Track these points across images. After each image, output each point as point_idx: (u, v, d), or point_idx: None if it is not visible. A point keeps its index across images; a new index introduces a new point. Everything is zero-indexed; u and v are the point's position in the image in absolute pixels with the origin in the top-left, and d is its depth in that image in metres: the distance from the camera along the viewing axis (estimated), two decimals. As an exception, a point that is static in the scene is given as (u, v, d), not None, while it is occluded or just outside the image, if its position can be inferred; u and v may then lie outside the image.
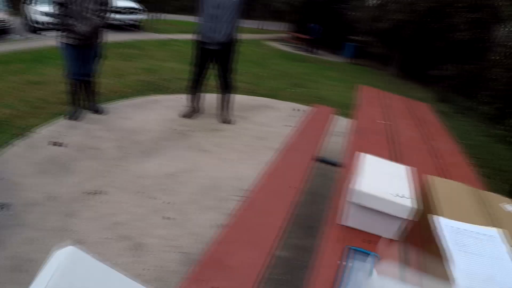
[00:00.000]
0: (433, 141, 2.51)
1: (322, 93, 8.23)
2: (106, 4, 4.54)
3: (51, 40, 11.66)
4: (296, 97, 7.25)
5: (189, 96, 5.26)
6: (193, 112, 5.30)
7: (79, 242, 2.60)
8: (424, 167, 1.93)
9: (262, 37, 18.76)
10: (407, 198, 1.30)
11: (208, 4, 4.53)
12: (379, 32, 14.72)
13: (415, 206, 1.26)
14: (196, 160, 4.05)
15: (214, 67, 4.97)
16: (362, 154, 1.56)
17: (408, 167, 1.54)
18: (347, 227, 1.40)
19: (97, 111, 5.06)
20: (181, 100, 5.61)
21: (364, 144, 2.20)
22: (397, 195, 1.30)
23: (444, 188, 1.50)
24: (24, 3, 16.41)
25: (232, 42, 4.80)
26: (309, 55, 15.38)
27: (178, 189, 3.42)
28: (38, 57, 9.19)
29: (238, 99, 6.32)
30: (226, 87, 5.12)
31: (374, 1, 16.10)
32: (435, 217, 1.26)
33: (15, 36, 13.86)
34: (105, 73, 6.61)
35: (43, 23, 13.81)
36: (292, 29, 20.03)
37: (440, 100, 10.98)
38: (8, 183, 3.28)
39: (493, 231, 1.24)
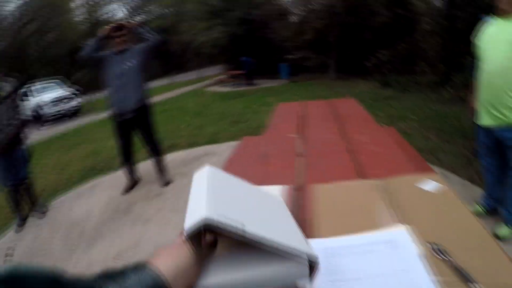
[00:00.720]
0: (353, 136, 2.35)
1: (261, 122, 8.35)
2: (17, 107, 4.52)
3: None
4: (237, 135, 7.37)
5: (125, 170, 5.38)
6: (133, 184, 5.43)
7: None
8: (331, 171, 1.78)
9: (201, 85, 19.15)
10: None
11: (111, 76, 4.60)
12: (307, 44, 15.25)
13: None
14: (140, 233, 4.16)
15: (136, 135, 5.04)
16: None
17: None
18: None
19: (42, 212, 5.11)
20: (122, 176, 5.74)
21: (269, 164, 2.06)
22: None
23: (325, 194, 1.38)
24: None
25: (145, 106, 4.87)
26: (248, 88, 15.73)
27: (123, 267, 3.57)
28: None
29: (177, 156, 6.55)
30: (154, 150, 5.19)
31: (295, 18, 16.70)
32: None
33: None
34: (48, 169, 6.78)
35: None
36: (226, 68, 20.54)
37: (384, 85, 11.41)
38: None
39: (393, 233, 1.04)
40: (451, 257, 0.95)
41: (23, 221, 4.91)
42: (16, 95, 4.54)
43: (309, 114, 3.23)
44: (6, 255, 4.24)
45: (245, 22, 17.73)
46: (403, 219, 1.13)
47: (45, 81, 17.33)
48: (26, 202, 5.06)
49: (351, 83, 13.55)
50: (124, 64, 4.60)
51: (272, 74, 17.65)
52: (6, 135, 4.34)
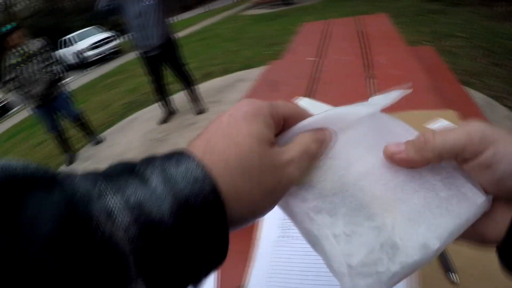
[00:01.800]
0: (375, 58, 2.18)
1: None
2: (49, 59, 4.92)
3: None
4: (272, 58, 7.18)
5: (160, 102, 5.56)
6: (169, 115, 5.61)
7: None
8: (343, 97, 1.70)
9: (237, 10, 18.72)
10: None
11: (131, 16, 4.69)
12: None
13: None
14: None
15: (166, 68, 5.18)
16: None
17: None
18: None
19: (97, 142, 5.66)
20: (158, 109, 5.94)
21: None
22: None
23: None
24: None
25: (169, 41, 4.94)
26: (285, 8, 15.12)
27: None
28: (35, 120, 9.78)
29: (212, 84, 6.61)
30: (185, 81, 5.29)
31: None
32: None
33: (16, 109, 14.70)
34: (92, 109, 7.08)
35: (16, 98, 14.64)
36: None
37: None
38: None
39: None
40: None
41: (71, 161, 5.38)
42: (45, 51, 4.89)
43: (332, 34, 3.05)
44: None
45: None
46: None
47: (82, 30, 18.13)
48: (84, 136, 5.70)
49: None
50: (141, 4, 4.62)
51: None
52: (41, 87, 4.78)
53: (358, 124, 0.41)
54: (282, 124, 0.39)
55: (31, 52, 4.74)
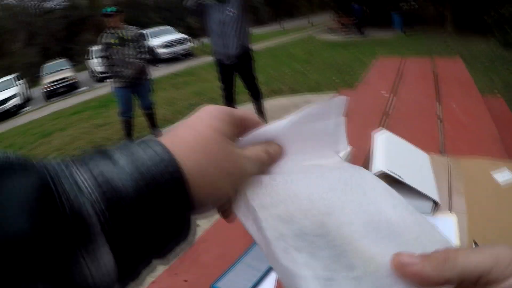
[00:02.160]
0: (446, 101, 2.19)
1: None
2: (142, 47, 5.36)
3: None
4: (340, 86, 7.30)
5: (227, 110, 5.67)
6: (233, 124, 5.72)
7: None
8: (413, 135, 1.65)
9: (310, 32, 18.85)
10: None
11: (213, 23, 4.88)
12: None
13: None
14: None
15: (238, 78, 5.30)
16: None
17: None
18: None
19: (158, 136, 5.78)
20: (223, 116, 6.10)
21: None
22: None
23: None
24: (86, 59, 18.58)
25: (246, 53, 5.07)
26: (358, 38, 15.19)
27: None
28: (103, 102, 10.36)
29: (278, 101, 6.72)
30: (254, 95, 5.40)
31: None
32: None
33: (83, 89, 15.62)
34: (159, 103, 7.38)
35: (104, 71, 15.44)
36: (337, 16, 19.94)
37: (505, 45, 9.92)
38: None
39: (439, 219, 1.03)
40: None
41: None
42: (140, 40, 5.36)
43: (407, 72, 3.06)
44: None
45: None
46: (457, 207, 1.08)
47: (158, 27, 19.16)
48: (148, 126, 6.01)
49: (468, 39, 12.17)
50: (225, 13, 4.79)
51: (384, 24, 16.62)
52: (134, 67, 5.20)
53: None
54: (239, 129, 0.41)
55: (127, 37, 5.16)
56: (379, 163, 1.07)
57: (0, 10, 32.89)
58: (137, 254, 0.31)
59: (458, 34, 13.33)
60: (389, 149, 1.17)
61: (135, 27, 5.43)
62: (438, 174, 1.21)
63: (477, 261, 0.31)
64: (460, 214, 1.03)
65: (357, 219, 0.37)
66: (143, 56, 5.33)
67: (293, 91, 7.37)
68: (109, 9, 5.19)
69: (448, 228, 0.98)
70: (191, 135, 0.37)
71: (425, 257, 0.32)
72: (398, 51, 10.49)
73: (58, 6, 36.89)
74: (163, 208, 0.31)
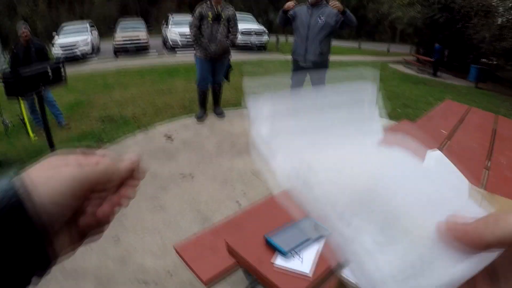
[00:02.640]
0: (497, 155, 2.31)
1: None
2: (235, 29, 5.59)
3: (182, 57, 13.23)
4: (400, 117, 7.19)
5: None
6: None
7: (162, 208, 3.43)
8: None
9: (387, 60, 18.66)
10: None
11: (299, 25, 4.97)
12: (504, 53, 13.67)
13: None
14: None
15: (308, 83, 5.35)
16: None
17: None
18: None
19: (219, 113, 6.11)
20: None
21: None
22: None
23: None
24: (164, 25, 18.86)
25: (323, 61, 5.14)
26: (431, 78, 14.86)
27: (256, 184, 3.97)
28: (169, 70, 10.63)
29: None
30: None
31: (499, 20, 14.89)
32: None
33: (152, 53, 15.95)
34: (226, 86, 7.45)
35: (178, 42, 15.64)
36: (416, 51, 19.61)
37: None
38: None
39: None
40: None
41: (202, 117, 5.93)
42: (234, 20, 5.55)
43: (469, 120, 3.16)
44: (167, 137, 5.15)
45: (446, 9, 16.42)
46: None
47: (239, 13, 18.65)
48: (213, 102, 6.23)
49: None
50: (315, 19, 4.87)
51: (460, 72, 16.30)
52: (218, 47, 5.44)
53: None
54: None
55: (223, 16, 5.37)
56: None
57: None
58: None
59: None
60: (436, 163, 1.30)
61: (232, 7, 5.62)
62: (472, 198, 1.28)
63: None
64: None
65: (406, 188, 0.37)
66: (232, 37, 5.55)
67: (356, 111, 7.25)
68: None
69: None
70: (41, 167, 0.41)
71: (476, 219, 0.32)
72: (465, 102, 10.19)
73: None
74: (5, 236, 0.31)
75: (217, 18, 5.32)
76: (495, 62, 15.27)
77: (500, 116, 3.57)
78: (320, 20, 4.83)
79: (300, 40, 4.99)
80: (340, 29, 5.02)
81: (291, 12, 5.00)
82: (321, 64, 5.10)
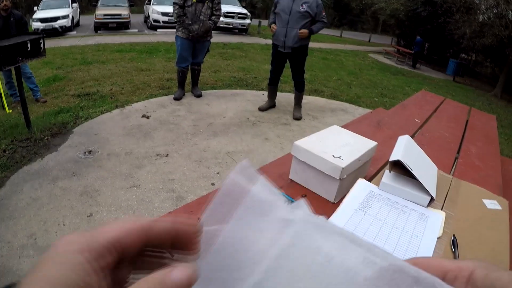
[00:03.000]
0: (466, 143, 2.37)
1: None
2: (219, 10, 5.59)
3: (162, 36, 13.12)
4: (377, 105, 7.25)
5: (269, 91, 5.83)
6: (269, 106, 5.86)
7: (136, 186, 3.44)
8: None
9: (367, 49, 18.83)
10: (342, 159, 1.25)
11: (281, 11, 5.04)
12: (483, 49, 13.96)
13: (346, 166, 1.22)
14: (255, 145, 4.61)
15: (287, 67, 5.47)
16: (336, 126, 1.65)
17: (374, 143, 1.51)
18: (293, 181, 1.44)
19: (197, 94, 6.13)
20: (263, 96, 6.21)
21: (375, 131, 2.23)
22: (333, 156, 1.27)
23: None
24: (146, 3, 18.69)
25: (303, 47, 5.21)
26: (410, 69, 15.12)
27: (230, 164, 4.03)
28: (149, 49, 10.55)
29: (317, 100, 6.79)
30: (297, 87, 5.56)
31: (480, 17, 15.16)
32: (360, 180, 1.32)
33: (133, 30, 15.81)
34: (204, 67, 7.47)
35: (159, 21, 15.59)
36: (397, 43, 19.83)
37: None
38: (100, 137, 4.40)
39: (430, 211, 1.19)
40: (459, 253, 1.04)
41: (180, 96, 5.96)
42: (217, 3, 5.57)
43: (443, 110, 3.21)
44: (143, 116, 5.13)
45: (429, 3, 16.77)
46: (448, 209, 1.25)
47: None
48: (190, 82, 6.24)
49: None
50: (297, 5, 4.93)
51: (438, 65, 16.64)
52: (200, 27, 5.45)
53: None
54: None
55: None
56: (397, 154, 1.25)
57: None
58: None
59: (504, 99, 13.25)
60: (408, 148, 1.35)
61: None
62: (440, 184, 1.40)
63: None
64: (449, 214, 1.21)
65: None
66: (214, 18, 5.56)
67: (333, 96, 7.39)
68: None
69: (436, 221, 1.15)
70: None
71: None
72: (442, 93, 10.35)
73: None
74: None
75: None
76: (474, 58, 15.53)
77: (474, 108, 3.63)
78: (301, 8, 4.89)
79: (281, 25, 5.05)
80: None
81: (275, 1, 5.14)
82: (300, 50, 5.18)
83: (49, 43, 12.07)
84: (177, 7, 5.34)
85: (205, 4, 5.38)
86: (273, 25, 5.17)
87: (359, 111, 6.60)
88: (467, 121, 3.01)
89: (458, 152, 2.17)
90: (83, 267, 0.29)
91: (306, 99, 6.40)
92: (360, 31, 30.13)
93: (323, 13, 5.05)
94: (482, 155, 2.22)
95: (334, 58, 13.36)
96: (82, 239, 0.30)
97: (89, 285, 0.29)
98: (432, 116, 2.87)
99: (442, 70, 16.46)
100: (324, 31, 24.65)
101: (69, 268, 0.28)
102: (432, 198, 1.21)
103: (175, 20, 5.48)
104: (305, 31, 4.96)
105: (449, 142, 2.30)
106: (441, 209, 1.23)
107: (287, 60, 5.35)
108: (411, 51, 16.17)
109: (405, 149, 1.31)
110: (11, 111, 5.27)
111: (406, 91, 9.84)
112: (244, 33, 16.86)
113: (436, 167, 1.51)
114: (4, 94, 5.34)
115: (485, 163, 2.08)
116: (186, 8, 5.33)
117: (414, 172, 1.20)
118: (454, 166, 1.94)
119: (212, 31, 5.75)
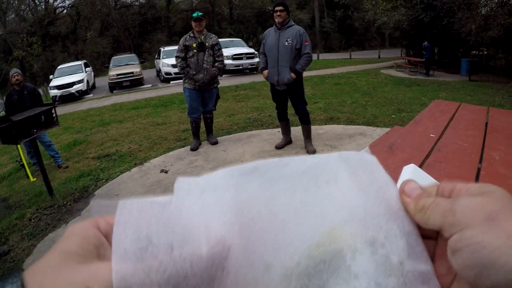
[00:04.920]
0: (490, 152, 2.22)
1: (423, 115, 8.14)
2: (221, 56, 5.65)
3: (175, 88, 13.41)
4: (395, 122, 7.19)
5: (282, 129, 5.80)
6: (286, 143, 5.80)
7: None
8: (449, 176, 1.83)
9: (378, 66, 18.74)
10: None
11: (268, 50, 5.10)
12: (492, 42, 13.74)
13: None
14: None
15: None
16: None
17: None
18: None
19: (213, 142, 6.14)
20: (279, 134, 6.20)
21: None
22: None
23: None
24: (156, 58, 19.42)
25: (296, 82, 5.16)
26: (424, 78, 14.92)
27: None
28: (164, 102, 10.81)
29: (335, 129, 6.72)
30: (301, 120, 5.46)
31: (483, 10, 14.96)
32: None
33: (147, 86, 16.28)
34: (219, 113, 7.55)
35: (171, 74, 16.10)
36: (406, 54, 19.77)
37: None
38: (120, 198, 4.32)
39: None
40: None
41: (196, 147, 5.98)
42: (218, 49, 5.65)
43: (459, 118, 3.08)
44: (162, 171, 5.17)
45: (430, 8, 16.66)
46: None
47: (230, 38, 19.86)
48: (204, 130, 6.30)
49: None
50: (283, 41, 4.97)
51: (452, 68, 16.38)
52: (205, 75, 5.51)
53: None
54: None
55: (207, 43, 5.49)
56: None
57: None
58: None
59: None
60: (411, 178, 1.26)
61: (215, 35, 5.70)
62: None
63: (433, 216, 0.33)
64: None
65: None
66: (218, 65, 5.61)
67: (350, 121, 7.32)
68: (200, 14, 5.50)
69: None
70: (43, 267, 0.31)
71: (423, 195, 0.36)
72: (460, 97, 10.29)
73: (135, 3, 38.58)
74: None
75: (201, 46, 5.43)
76: (485, 53, 15.23)
77: (492, 108, 3.51)
78: (287, 43, 4.93)
79: (272, 64, 5.09)
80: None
81: (263, 39, 5.24)
82: (295, 84, 5.16)
83: (67, 109, 12.62)
84: (179, 59, 5.47)
85: (206, 52, 5.47)
86: (264, 72, 5.23)
87: (378, 132, 6.49)
88: (486, 124, 2.88)
89: (480, 162, 2.03)
90: (97, 236, 0.34)
91: (323, 128, 6.40)
92: (369, 49, 30.22)
93: (306, 42, 4.99)
94: (508, 160, 2.08)
95: (346, 82, 13.31)
96: (93, 220, 0.35)
97: (102, 255, 0.33)
98: (448, 127, 2.75)
99: (456, 72, 16.12)
100: (334, 56, 25.02)
101: (83, 239, 0.33)
102: None
103: (180, 72, 5.60)
104: (293, 75, 4.97)
105: (469, 153, 2.18)
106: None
107: (286, 95, 5.33)
108: (421, 59, 16.03)
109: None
110: (35, 179, 5.49)
111: (423, 101, 9.65)
112: (255, 72, 17.07)
113: None
114: (27, 164, 5.57)
115: (511, 169, 1.94)
116: (188, 59, 5.45)
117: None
118: (477, 180, 1.79)
119: (224, 75, 5.84)
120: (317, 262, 0.32)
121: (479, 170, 1.92)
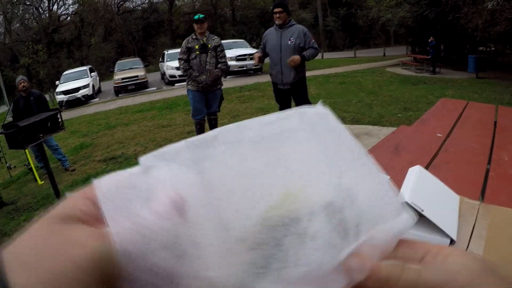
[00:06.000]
0: (499, 152, 2.17)
1: (430, 114, 8.10)
2: (224, 57, 5.64)
3: (180, 90, 13.48)
4: (401, 121, 7.08)
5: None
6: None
7: None
8: (456, 180, 1.73)
9: (383, 64, 18.60)
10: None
11: (271, 50, 5.09)
12: (499, 37, 13.56)
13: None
14: None
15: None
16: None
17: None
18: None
19: None
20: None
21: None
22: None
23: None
24: (160, 61, 19.58)
25: (300, 81, 5.17)
26: (431, 76, 14.76)
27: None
28: (169, 105, 10.84)
29: (340, 129, 6.71)
30: None
31: (489, 5, 14.61)
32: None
33: (151, 89, 16.39)
34: (223, 114, 7.56)
35: (175, 76, 16.21)
36: (411, 51, 19.65)
37: None
38: None
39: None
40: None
41: None
42: (221, 50, 5.62)
43: (467, 117, 3.01)
44: None
45: (435, 3, 16.37)
46: (474, 249, 1.11)
47: (233, 40, 20.02)
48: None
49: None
50: (285, 40, 4.95)
51: (458, 65, 16.11)
52: (207, 77, 5.49)
53: None
54: None
55: (209, 45, 5.47)
56: (405, 194, 1.15)
57: (82, 4, 35.00)
58: None
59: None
60: (418, 183, 1.24)
61: (217, 37, 5.70)
62: (465, 216, 1.26)
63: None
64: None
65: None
66: (221, 66, 5.60)
67: (355, 121, 7.29)
68: (201, 16, 5.51)
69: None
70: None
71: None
72: (467, 94, 10.16)
73: (138, 7, 38.79)
74: None
75: (203, 48, 5.43)
76: (493, 48, 15.04)
77: (501, 106, 3.44)
78: (290, 42, 4.91)
79: (274, 64, 5.09)
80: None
81: (263, 39, 5.23)
82: (298, 84, 5.16)
83: (74, 113, 12.75)
84: (182, 61, 5.48)
85: (209, 54, 5.45)
86: (255, 54, 5.36)
87: (383, 132, 6.45)
88: (495, 123, 2.81)
89: (489, 163, 1.97)
90: (86, 204, 0.31)
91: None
92: (373, 47, 30.01)
93: (313, 40, 4.99)
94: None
95: (351, 81, 13.22)
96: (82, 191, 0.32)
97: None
98: (456, 126, 2.69)
99: (463, 68, 15.78)
100: (338, 54, 24.95)
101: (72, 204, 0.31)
102: (452, 241, 1.10)
103: (183, 74, 5.62)
104: (297, 57, 4.84)
105: (477, 154, 2.11)
106: (466, 250, 1.10)
107: (290, 95, 5.32)
108: (427, 57, 15.85)
109: (414, 185, 1.22)
110: (43, 182, 5.61)
111: (430, 99, 9.52)
112: (260, 72, 17.05)
113: (458, 196, 1.34)
114: (35, 167, 5.71)
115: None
116: (191, 61, 5.44)
117: (426, 214, 1.09)
118: (485, 182, 1.73)
119: (228, 76, 5.83)
120: (273, 225, 0.32)
121: (487, 171, 1.86)
